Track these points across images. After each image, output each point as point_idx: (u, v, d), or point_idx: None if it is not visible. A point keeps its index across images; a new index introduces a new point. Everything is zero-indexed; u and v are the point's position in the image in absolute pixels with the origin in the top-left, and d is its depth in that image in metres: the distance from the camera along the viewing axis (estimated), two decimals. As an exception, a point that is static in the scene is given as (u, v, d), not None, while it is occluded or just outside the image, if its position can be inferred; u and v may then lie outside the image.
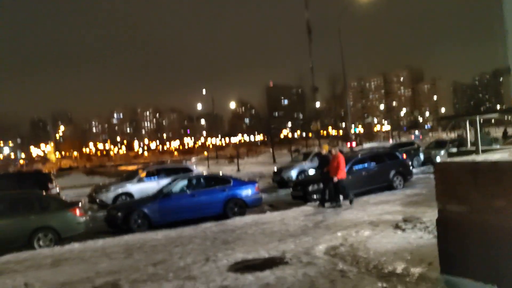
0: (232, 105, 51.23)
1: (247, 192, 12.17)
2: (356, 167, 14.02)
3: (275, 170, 21.38)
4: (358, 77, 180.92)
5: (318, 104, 75.69)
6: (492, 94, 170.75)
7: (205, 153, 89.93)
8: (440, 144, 26.92)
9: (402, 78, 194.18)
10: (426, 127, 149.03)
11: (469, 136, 13.08)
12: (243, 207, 12.02)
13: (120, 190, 15.86)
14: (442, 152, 23.17)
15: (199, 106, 72.56)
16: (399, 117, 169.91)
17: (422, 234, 6.79)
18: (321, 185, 13.14)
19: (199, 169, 40.89)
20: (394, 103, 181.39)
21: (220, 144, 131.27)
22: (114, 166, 55.80)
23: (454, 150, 15.69)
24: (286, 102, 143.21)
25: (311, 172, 19.81)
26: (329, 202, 11.92)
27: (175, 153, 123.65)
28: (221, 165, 45.16)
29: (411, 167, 15.44)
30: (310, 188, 13.33)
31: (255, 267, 6.03)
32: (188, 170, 17.33)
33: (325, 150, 13.14)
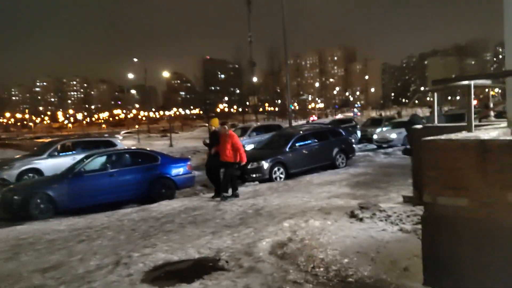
0: (166, 74, 48.21)
1: (177, 171, 10.55)
2: (298, 144, 12.90)
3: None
4: (294, 55, 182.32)
5: (255, 79, 74.58)
6: (417, 76, 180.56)
7: (136, 126, 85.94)
8: (376, 122, 26.90)
9: (336, 58, 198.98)
10: (356, 105, 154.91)
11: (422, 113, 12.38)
12: (172, 188, 10.41)
13: (26, 167, 13.50)
14: (378, 129, 23.00)
15: (130, 76, 68.57)
16: (332, 96, 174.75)
17: (384, 225, 5.70)
18: (261, 163, 11.89)
19: (125, 143, 38.29)
20: (328, 82, 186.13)
21: (154, 117, 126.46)
22: (32, 139, 50.71)
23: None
24: (223, 76, 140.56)
25: (249, 148, 18.57)
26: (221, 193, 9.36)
27: (104, 125, 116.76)
28: (153, 140, 42.59)
29: (354, 145, 14.63)
30: (249, 166, 11.98)
31: (180, 274, 4.56)
32: (111, 144, 15.26)
33: (214, 126, 10.23)
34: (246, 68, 79.37)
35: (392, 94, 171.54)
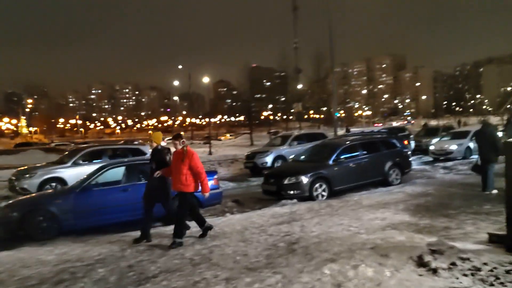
0: (206, 80, 47.48)
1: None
2: (343, 156, 11.10)
3: (248, 155, 18.39)
4: (342, 63, 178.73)
5: (300, 86, 72.80)
6: (472, 85, 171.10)
7: (182, 133, 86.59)
8: (431, 131, 24.34)
9: (384, 65, 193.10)
10: (405, 114, 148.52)
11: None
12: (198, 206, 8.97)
13: (48, 176, 12.63)
14: (435, 140, 20.59)
15: (176, 83, 69.05)
16: (380, 104, 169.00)
17: (472, 284, 3.88)
18: (300, 178, 10.23)
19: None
20: (376, 90, 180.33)
21: (200, 123, 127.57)
22: (77, 144, 51.71)
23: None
24: (268, 84, 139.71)
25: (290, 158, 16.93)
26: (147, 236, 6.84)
27: (150, 132, 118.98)
28: (194, 147, 41.92)
29: (410, 158, 12.60)
30: (286, 181, 10.38)
31: None
32: (139, 152, 14.17)
33: (156, 142, 7.16)
34: (292, 75, 77.83)
35: (444, 102, 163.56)
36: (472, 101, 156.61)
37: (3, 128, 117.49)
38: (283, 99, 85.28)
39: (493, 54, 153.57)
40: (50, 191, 10.32)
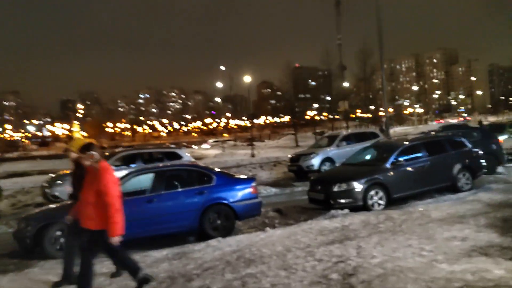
0: (248, 79, 46.48)
1: (238, 194, 7.92)
2: (403, 158, 9.49)
3: (292, 157, 17.05)
4: (388, 59, 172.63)
5: (346, 84, 70.42)
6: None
7: (225, 135, 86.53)
8: (495, 128, 21.81)
9: (435, 60, 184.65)
10: (459, 110, 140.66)
11: None
12: (231, 218, 7.80)
13: (80, 182, 11.92)
14: (502, 137, 18.23)
15: (219, 85, 68.80)
16: (430, 100, 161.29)
17: None
18: (352, 184, 8.82)
19: (207, 153, 37.02)
20: (426, 86, 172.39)
21: (245, 125, 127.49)
22: (116, 147, 52.44)
23: None
24: (312, 83, 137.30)
25: (339, 160, 15.43)
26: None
27: (194, 134, 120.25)
28: (237, 149, 41.13)
29: (482, 160, 10.74)
30: (336, 188, 8.97)
31: None
32: (176, 156, 13.22)
33: (74, 153, 5.21)
34: (336, 73, 75.52)
35: (502, 97, 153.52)
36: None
37: (59, 133, 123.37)
38: (328, 98, 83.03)
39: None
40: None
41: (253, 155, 28.27)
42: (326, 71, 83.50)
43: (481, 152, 10.64)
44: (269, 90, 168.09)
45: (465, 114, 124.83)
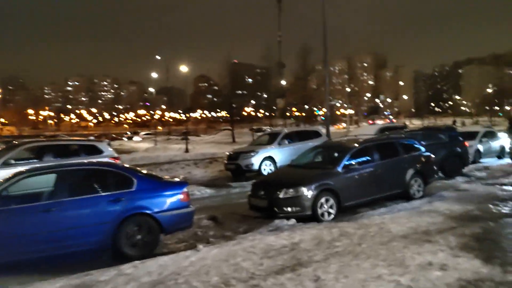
0: (184, 69, 44.23)
1: (164, 202, 6.36)
2: (355, 161, 8.47)
3: (230, 154, 15.65)
4: (322, 60, 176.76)
5: (284, 82, 70.47)
6: (451, 85, 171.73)
7: (159, 127, 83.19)
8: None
9: (366, 64, 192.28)
10: (386, 113, 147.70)
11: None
12: (155, 232, 6.23)
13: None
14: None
15: (155, 75, 65.63)
16: (360, 102, 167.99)
17: None
18: (300, 190, 7.65)
19: (139, 146, 34.61)
20: (357, 88, 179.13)
21: (180, 118, 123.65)
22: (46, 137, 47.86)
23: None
24: (250, 80, 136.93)
25: (280, 160, 14.32)
26: None
27: (126, 126, 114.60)
28: (171, 143, 38.86)
29: (434, 165, 10.08)
30: (282, 194, 7.72)
31: None
32: (94, 150, 11.27)
33: None
34: (275, 71, 75.40)
35: (423, 103, 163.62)
36: (450, 102, 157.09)
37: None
38: (265, 95, 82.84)
39: (473, 55, 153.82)
40: None
41: (187, 150, 26.49)
42: (264, 68, 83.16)
43: (433, 156, 9.96)
44: (206, 84, 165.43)
45: (391, 117, 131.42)
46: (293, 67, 67.61)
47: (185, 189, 6.60)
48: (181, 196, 6.51)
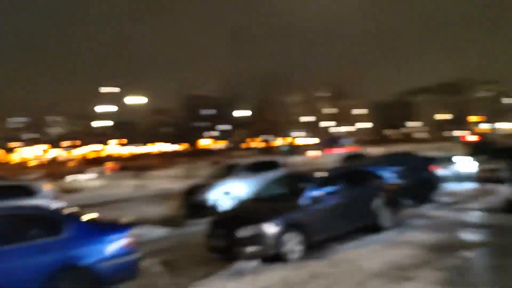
0: (137, 100, 43.28)
1: (103, 251, 5.37)
2: (320, 192, 7.81)
3: (186, 189, 14.64)
4: (280, 92, 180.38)
5: (243, 113, 70.61)
6: (405, 113, 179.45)
7: (112, 163, 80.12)
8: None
9: (324, 95, 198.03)
10: (345, 141, 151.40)
11: None
12: (94, 286, 5.21)
13: None
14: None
15: (108, 108, 63.77)
16: (320, 132, 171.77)
17: None
18: (262, 227, 6.88)
19: (91, 184, 32.68)
20: (315, 119, 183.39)
21: (136, 153, 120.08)
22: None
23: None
24: (208, 112, 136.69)
25: (240, 193, 13.48)
26: None
27: (71, 162, 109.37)
28: (125, 179, 36.98)
29: (401, 193, 9.63)
30: (242, 232, 6.89)
31: None
32: (26, 192, 9.99)
33: None
34: (234, 102, 75.53)
35: (381, 130, 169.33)
36: (405, 129, 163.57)
37: None
38: (224, 127, 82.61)
39: (424, 84, 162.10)
40: None
41: (141, 187, 25.06)
42: (223, 99, 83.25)
43: (401, 183, 9.54)
44: (164, 117, 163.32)
45: (349, 146, 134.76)
46: (253, 99, 68.20)
47: (129, 233, 5.64)
48: (124, 241, 5.55)
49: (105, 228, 5.60)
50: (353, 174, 8.79)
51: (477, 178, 15.17)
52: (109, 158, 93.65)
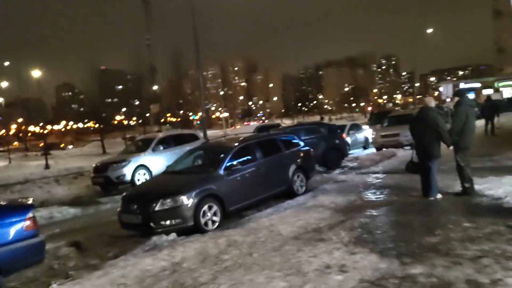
0: (37, 74, 39.28)
1: (0, 235, 4.85)
2: (237, 161, 7.84)
3: (96, 166, 13.88)
4: (195, 65, 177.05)
5: (156, 87, 68.23)
6: (314, 86, 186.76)
7: (15, 143, 73.69)
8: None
9: (237, 68, 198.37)
10: (259, 115, 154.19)
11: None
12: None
13: None
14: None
15: (4, 84, 57.64)
16: (235, 105, 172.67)
17: None
18: (180, 199, 6.74)
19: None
20: (231, 92, 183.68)
21: (42, 132, 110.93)
22: None
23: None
24: (120, 87, 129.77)
25: (156, 168, 13.10)
26: None
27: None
28: (29, 160, 34.13)
29: (313, 159, 10.03)
30: (158, 206, 6.68)
31: None
32: None
33: None
34: (146, 76, 72.41)
35: (292, 103, 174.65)
36: (315, 101, 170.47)
37: None
38: (137, 102, 79.11)
39: (331, 58, 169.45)
40: None
41: (47, 167, 23.30)
42: (135, 74, 79.34)
43: (312, 150, 9.90)
44: (71, 94, 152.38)
45: (264, 118, 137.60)
46: (166, 72, 66.07)
47: (30, 214, 5.13)
48: (25, 224, 5.03)
49: (2, 210, 5.03)
50: (268, 143, 8.91)
51: (378, 143, 16.33)
52: (11, 139, 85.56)
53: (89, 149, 43.54)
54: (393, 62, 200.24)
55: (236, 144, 8.23)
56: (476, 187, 6.91)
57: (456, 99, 6.96)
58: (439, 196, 6.83)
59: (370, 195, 7.86)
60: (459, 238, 4.71)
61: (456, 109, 6.83)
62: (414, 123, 7.13)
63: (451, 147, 6.80)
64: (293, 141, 9.69)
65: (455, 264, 3.95)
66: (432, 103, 6.97)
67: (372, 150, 17.21)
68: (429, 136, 6.74)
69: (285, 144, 9.28)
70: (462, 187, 6.87)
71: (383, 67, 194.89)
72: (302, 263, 4.48)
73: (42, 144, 39.31)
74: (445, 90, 47.63)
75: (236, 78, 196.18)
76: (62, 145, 65.83)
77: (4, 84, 57.28)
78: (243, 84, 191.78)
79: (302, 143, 9.66)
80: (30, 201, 5.46)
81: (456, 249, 4.37)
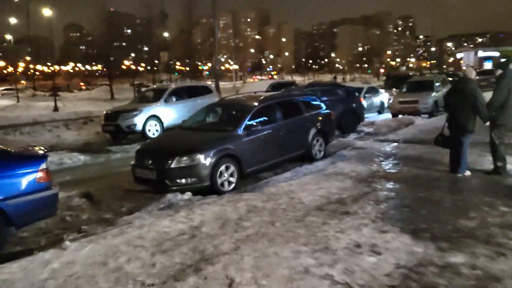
0: (48, 13, 38.38)
1: (10, 186, 4.59)
2: (256, 122, 7.48)
3: (107, 114, 13.57)
4: (207, 14, 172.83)
5: (167, 34, 66.65)
6: (327, 44, 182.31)
7: (23, 82, 73.25)
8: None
9: (249, 20, 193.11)
10: (268, 69, 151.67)
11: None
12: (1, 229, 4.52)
13: None
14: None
15: (13, 20, 56.57)
16: (245, 58, 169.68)
17: None
18: (197, 157, 6.46)
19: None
20: (241, 44, 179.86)
21: (49, 72, 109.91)
22: None
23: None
24: (129, 31, 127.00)
25: (167, 119, 12.81)
26: None
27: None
28: (37, 100, 33.80)
29: (333, 123, 9.65)
30: (174, 164, 6.42)
31: None
32: None
33: None
34: (157, 22, 70.54)
35: (303, 60, 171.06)
36: (326, 60, 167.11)
37: None
38: (147, 48, 77.51)
39: (347, 15, 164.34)
40: None
41: (56, 109, 23.05)
42: (145, 19, 77.15)
43: (333, 114, 9.50)
44: (79, 34, 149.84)
45: (273, 73, 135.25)
46: (177, 19, 64.16)
47: (43, 165, 4.88)
48: (38, 175, 4.80)
49: (14, 160, 4.76)
50: (288, 104, 8.50)
51: (395, 109, 15.83)
52: (19, 76, 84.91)
53: (97, 93, 43.10)
54: (410, 24, 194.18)
55: (256, 103, 7.82)
56: (508, 166, 6.56)
57: (499, 71, 6.46)
58: (467, 173, 6.51)
59: (392, 166, 7.54)
60: (498, 224, 4.43)
61: (497, 82, 6.34)
62: (451, 94, 6.67)
63: (488, 123, 6.39)
64: (314, 102, 9.26)
65: (498, 254, 3.68)
66: (473, 74, 6.46)
67: (387, 115, 16.75)
68: (465, 109, 6.32)
69: (306, 106, 8.86)
70: (494, 166, 6.53)
71: (399, 29, 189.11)
72: (329, 238, 4.24)
73: (52, 85, 38.70)
74: (466, 58, 45.98)
75: (248, 29, 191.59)
76: (83, 86, 65.14)
77: (13, 20, 56.16)
78: (255, 36, 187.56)
79: (323, 106, 9.22)
80: (42, 151, 5.20)
81: (497, 236, 4.10)
